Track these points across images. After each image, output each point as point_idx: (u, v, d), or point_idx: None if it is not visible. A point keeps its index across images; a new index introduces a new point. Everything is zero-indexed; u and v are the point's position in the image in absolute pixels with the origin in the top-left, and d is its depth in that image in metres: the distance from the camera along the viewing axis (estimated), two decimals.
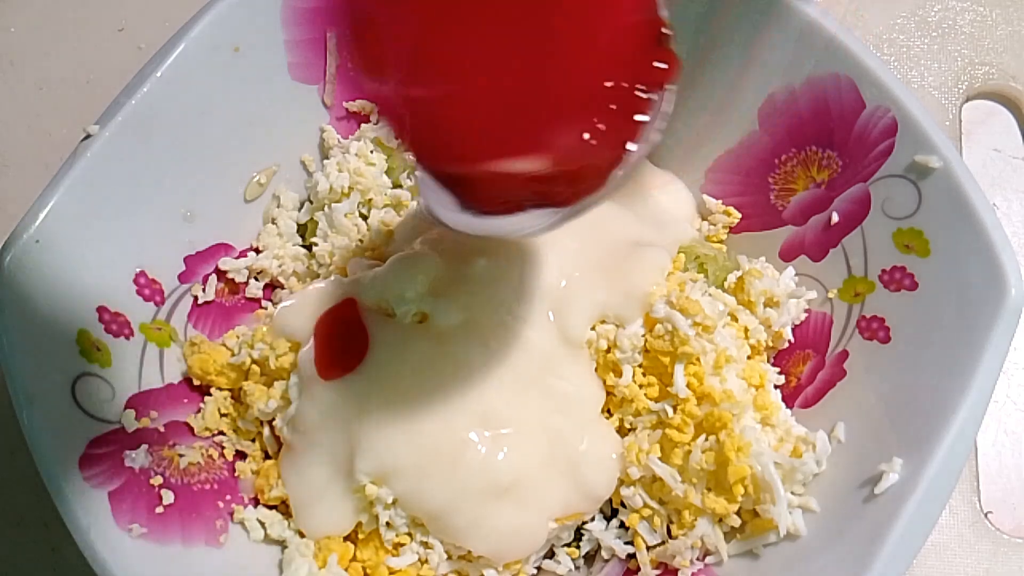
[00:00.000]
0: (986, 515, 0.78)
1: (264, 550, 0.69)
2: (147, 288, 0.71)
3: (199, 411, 0.72)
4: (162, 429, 0.69)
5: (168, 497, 0.66)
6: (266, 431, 0.72)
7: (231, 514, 0.69)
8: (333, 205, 0.77)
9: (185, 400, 0.72)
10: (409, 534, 0.68)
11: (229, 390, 0.73)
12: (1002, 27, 0.92)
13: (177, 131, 0.69)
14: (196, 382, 0.72)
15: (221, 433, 0.72)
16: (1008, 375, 0.74)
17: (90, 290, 0.68)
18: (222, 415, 0.72)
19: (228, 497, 0.70)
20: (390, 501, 0.66)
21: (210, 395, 0.72)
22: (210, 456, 0.71)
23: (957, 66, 0.90)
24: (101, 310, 0.68)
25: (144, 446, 0.67)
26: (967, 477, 0.79)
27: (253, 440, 0.73)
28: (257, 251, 0.78)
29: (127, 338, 0.69)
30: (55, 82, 0.86)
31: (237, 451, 0.72)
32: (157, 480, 0.67)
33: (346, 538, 0.69)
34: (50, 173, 0.67)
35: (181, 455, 0.69)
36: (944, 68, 0.90)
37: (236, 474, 0.71)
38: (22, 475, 0.62)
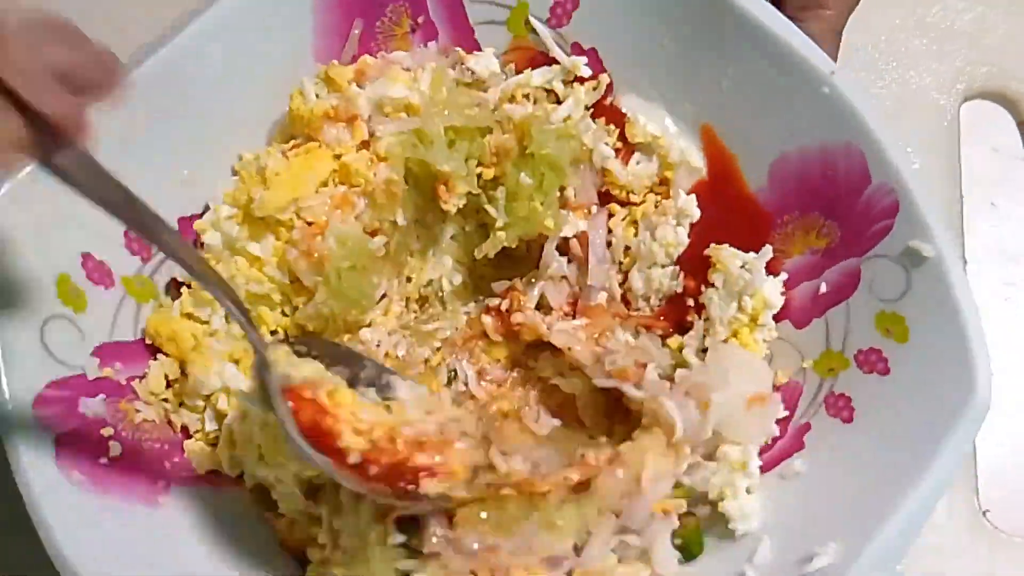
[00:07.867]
0: (984, 514, 0.77)
1: (199, 518, 0.69)
2: (136, 242, 0.72)
3: (144, 376, 0.71)
4: (123, 382, 0.70)
5: (115, 449, 0.67)
6: (208, 411, 0.71)
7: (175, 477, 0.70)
8: None
9: (153, 359, 0.72)
10: None
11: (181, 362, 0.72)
12: (1001, 27, 0.91)
13: (186, 95, 0.69)
14: (148, 341, 0.72)
15: (165, 400, 0.72)
16: (1007, 373, 0.72)
17: (78, 234, 0.68)
18: (169, 383, 0.72)
19: (176, 460, 0.71)
20: None
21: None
22: (167, 417, 0.71)
23: (956, 66, 0.90)
24: (86, 256, 0.69)
25: (102, 396, 0.68)
26: (966, 476, 0.78)
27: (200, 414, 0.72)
28: None
29: (107, 288, 0.70)
30: None
31: (183, 426, 0.72)
32: (108, 431, 0.67)
33: None
34: None
35: (138, 411, 0.70)
36: (943, 68, 0.90)
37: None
38: None
